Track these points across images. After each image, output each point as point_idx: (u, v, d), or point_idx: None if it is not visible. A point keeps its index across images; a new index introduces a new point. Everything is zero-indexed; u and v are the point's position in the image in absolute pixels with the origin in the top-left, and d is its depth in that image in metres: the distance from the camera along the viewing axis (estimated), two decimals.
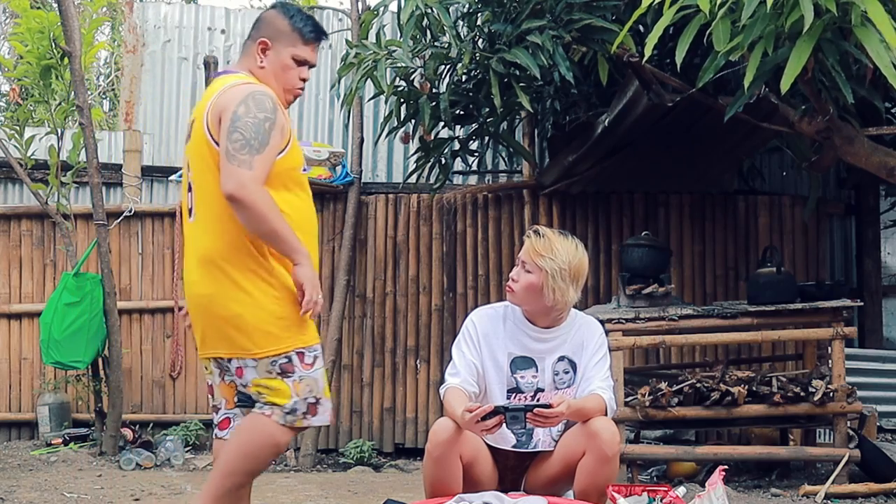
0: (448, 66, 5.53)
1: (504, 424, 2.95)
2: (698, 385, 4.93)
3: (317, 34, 3.10)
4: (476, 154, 6.33)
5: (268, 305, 2.82)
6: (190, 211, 2.96)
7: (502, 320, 3.25)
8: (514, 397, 3.18)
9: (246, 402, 2.94)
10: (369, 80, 5.36)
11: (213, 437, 3.08)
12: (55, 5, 6.34)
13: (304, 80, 3.10)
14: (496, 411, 2.92)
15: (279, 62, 3.03)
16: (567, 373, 3.21)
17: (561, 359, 3.21)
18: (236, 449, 2.88)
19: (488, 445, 3.20)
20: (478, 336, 3.22)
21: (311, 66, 3.12)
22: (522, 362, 3.20)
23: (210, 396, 3.09)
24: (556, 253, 3.12)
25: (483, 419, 2.91)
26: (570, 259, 3.13)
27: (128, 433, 5.92)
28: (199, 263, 2.89)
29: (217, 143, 2.83)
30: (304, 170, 3.05)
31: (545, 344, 3.21)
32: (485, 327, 3.23)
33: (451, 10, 5.26)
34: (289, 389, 2.85)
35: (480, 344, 3.21)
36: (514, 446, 3.19)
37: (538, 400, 3.16)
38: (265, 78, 3.02)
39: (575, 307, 3.30)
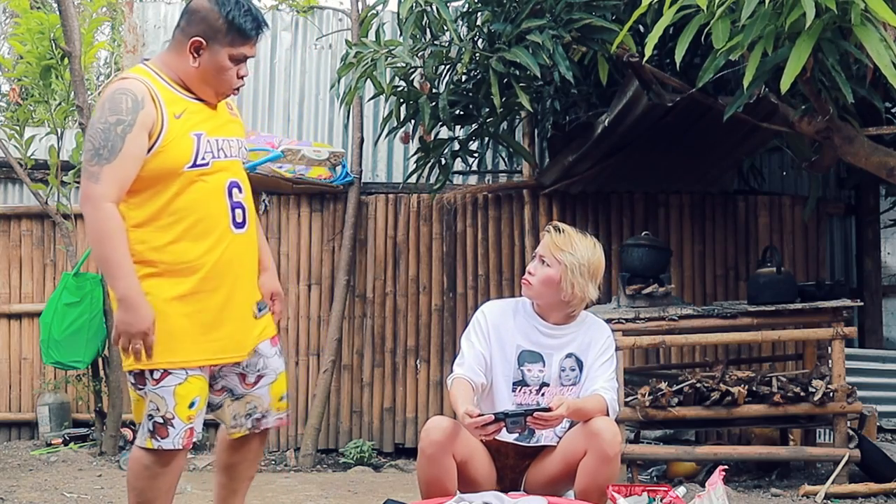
0: (448, 66, 5.53)
1: (505, 430, 2.96)
2: (698, 385, 4.93)
3: (257, 29, 2.73)
4: (476, 154, 6.33)
5: None
6: None
7: (513, 314, 3.27)
8: (519, 390, 3.19)
9: None
10: (369, 80, 5.37)
11: None
12: (55, 5, 6.34)
13: (242, 77, 2.77)
14: (496, 419, 2.92)
15: (214, 64, 2.69)
16: (574, 370, 3.22)
17: (569, 356, 3.23)
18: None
19: (487, 444, 3.19)
20: (488, 327, 3.23)
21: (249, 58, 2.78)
22: (530, 356, 3.22)
23: None
24: (575, 248, 3.17)
25: (483, 425, 2.92)
26: (590, 255, 3.19)
27: (128, 433, 5.91)
28: None
29: None
30: (202, 164, 2.69)
31: (554, 340, 3.23)
32: (495, 319, 3.25)
33: (450, 9, 5.26)
34: (143, 404, 2.75)
35: (490, 335, 3.22)
36: (516, 439, 3.19)
37: (542, 395, 3.18)
38: (192, 78, 2.72)
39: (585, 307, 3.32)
